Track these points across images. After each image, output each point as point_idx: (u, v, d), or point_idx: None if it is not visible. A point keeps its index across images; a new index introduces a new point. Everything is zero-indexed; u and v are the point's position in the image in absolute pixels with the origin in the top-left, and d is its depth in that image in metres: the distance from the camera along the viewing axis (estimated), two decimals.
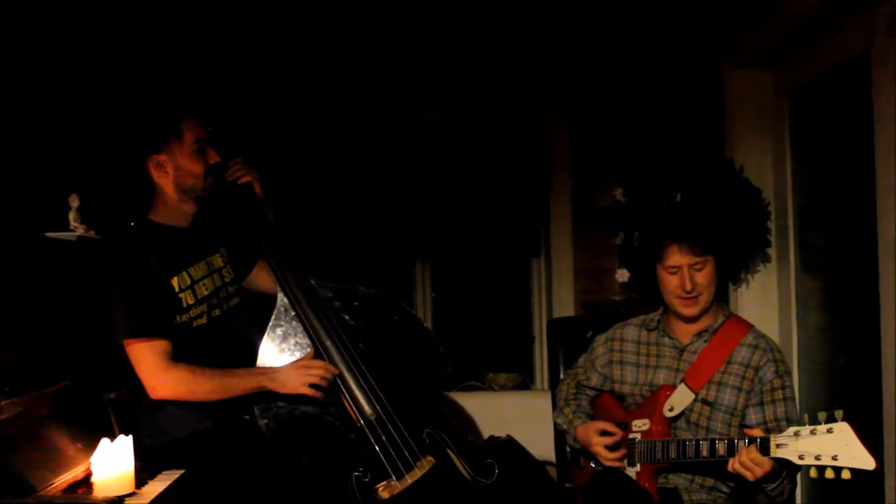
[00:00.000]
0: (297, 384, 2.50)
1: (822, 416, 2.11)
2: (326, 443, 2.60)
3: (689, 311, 2.56)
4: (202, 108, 2.68)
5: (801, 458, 2.11)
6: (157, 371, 2.45)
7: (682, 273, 2.51)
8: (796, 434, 2.13)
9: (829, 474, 2.06)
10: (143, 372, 2.47)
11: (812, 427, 2.11)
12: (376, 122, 4.44)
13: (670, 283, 2.54)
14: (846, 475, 2.05)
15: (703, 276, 2.50)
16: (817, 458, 2.08)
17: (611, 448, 2.53)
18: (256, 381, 2.52)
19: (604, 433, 2.55)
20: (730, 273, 3.44)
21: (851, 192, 3.03)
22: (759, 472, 2.19)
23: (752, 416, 2.45)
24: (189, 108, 2.63)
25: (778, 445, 2.15)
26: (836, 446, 2.05)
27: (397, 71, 4.14)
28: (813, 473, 2.11)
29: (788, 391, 2.47)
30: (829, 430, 2.07)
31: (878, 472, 2.65)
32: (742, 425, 2.45)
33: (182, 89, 3.76)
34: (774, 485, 2.28)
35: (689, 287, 2.51)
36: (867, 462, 2.03)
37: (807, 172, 3.39)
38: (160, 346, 2.45)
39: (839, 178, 3.18)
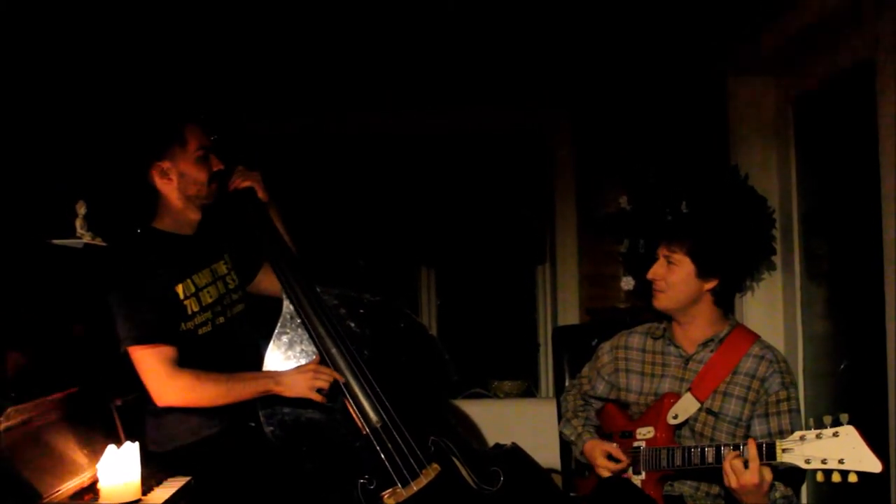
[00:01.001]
0: (304, 388, 2.49)
1: (827, 420, 2.11)
2: (331, 450, 2.59)
3: (653, 303, 2.59)
4: (204, 114, 2.69)
5: (807, 462, 2.11)
6: (163, 378, 2.45)
7: (658, 262, 2.55)
8: (802, 438, 2.13)
9: (836, 478, 2.06)
10: (148, 379, 2.46)
11: (818, 431, 2.11)
12: (379, 125, 4.45)
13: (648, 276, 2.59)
14: (853, 478, 2.04)
15: (672, 275, 2.51)
16: (823, 461, 2.08)
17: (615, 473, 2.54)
18: (263, 384, 2.51)
19: (610, 457, 2.55)
20: (735, 281, 3.43)
21: (857, 199, 3.02)
22: (735, 481, 2.19)
23: (757, 427, 2.44)
24: (191, 114, 2.63)
25: (784, 450, 2.15)
26: (843, 450, 2.05)
27: (399, 73, 4.14)
28: (819, 477, 2.10)
29: (794, 403, 2.46)
30: (835, 434, 2.07)
31: (884, 479, 2.65)
32: (747, 436, 2.43)
33: (184, 96, 3.77)
34: None
35: (649, 275, 2.55)
36: (874, 465, 2.02)
37: (812, 179, 3.38)
38: (166, 352, 2.45)
39: (844, 186, 3.17)
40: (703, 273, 2.50)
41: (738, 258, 3.02)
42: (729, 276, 2.57)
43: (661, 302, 2.56)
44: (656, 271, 2.54)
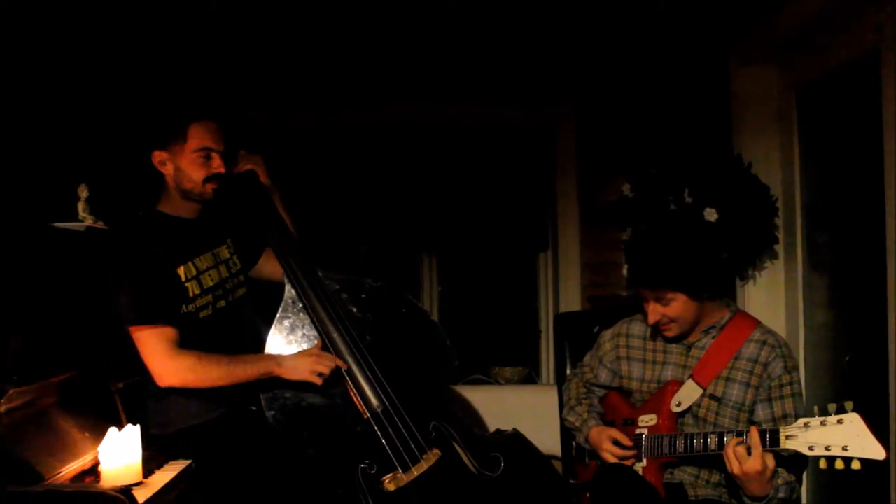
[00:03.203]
0: (306, 372, 2.50)
1: (832, 407, 2.11)
2: (332, 434, 2.60)
3: (666, 335, 2.58)
4: (224, 111, 2.67)
5: (810, 448, 2.11)
6: (163, 358, 2.45)
7: (650, 304, 2.52)
8: (806, 425, 2.14)
9: (839, 465, 2.06)
10: (149, 359, 2.47)
11: (822, 418, 2.11)
12: (383, 116, 4.45)
13: (644, 310, 2.56)
14: (856, 465, 2.05)
15: (671, 310, 2.49)
16: (827, 448, 2.08)
17: (620, 459, 2.54)
18: (264, 366, 2.52)
19: (616, 443, 2.55)
20: (737, 269, 3.43)
21: (860, 189, 3.02)
22: (738, 468, 2.20)
23: (760, 411, 2.45)
24: (206, 112, 2.61)
25: (788, 437, 2.15)
26: (847, 437, 2.06)
27: (403, 66, 4.13)
28: (822, 465, 2.10)
29: (796, 387, 2.46)
30: (840, 421, 2.08)
31: (884, 473, 2.65)
32: (750, 421, 2.44)
33: (198, 92, 3.76)
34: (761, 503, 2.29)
35: (652, 320, 2.53)
36: (877, 452, 2.03)
37: (815, 169, 3.37)
38: (167, 332, 2.45)
39: (847, 176, 3.16)
40: (696, 296, 2.49)
41: (722, 270, 3.03)
42: (718, 283, 2.58)
43: (674, 332, 2.55)
44: (655, 313, 2.51)
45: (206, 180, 2.58)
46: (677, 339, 2.61)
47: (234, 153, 2.71)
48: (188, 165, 2.55)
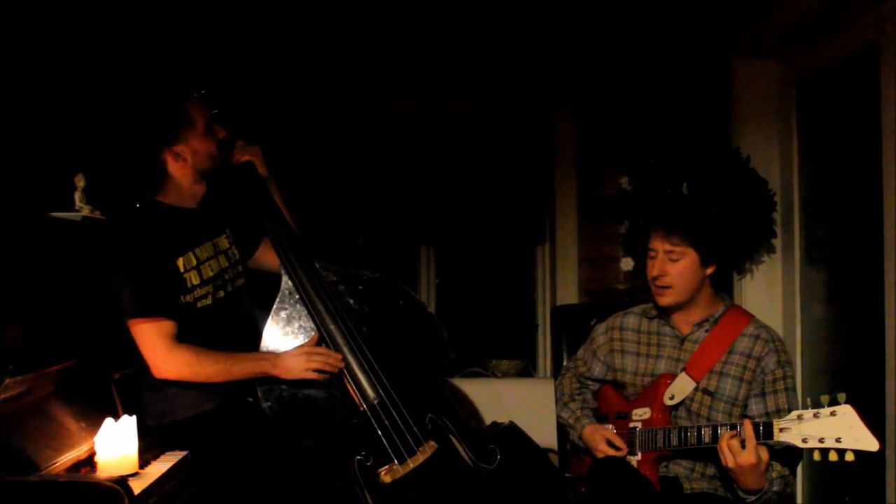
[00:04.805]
0: (299, 370, 2.49)
1: (824, 399, 2.12)
2: (329, 426, 2.59)
3: (659, 301, 2.56)
4: (204, 89, 2.67)
5: (804, 441, 2.12)
6: (161, 351, 2.44)
7: (658, 258, 2.51)
8: (799, 418, 2.14)
9: (833, 457, 2.07)
10: (147, 352, 2.46)
11: (815, 410, 2.12)
12: (384, 110, 4.44)
13: (648, 267, 2.56)
14: (850, 457, 2.05)
15: (676, 268, 2.48)
16: (821, 440, 2.09)
17: None
18: (259, 366, 2.52)
19: (610, 444, 2.56)
20: (734, 264, 3.43)
21: (858, 184, 3.02)
22: (732, 461, 2.21)
23: (754, 406, 2.45)
24: (191, 89, 2.62)
25: (781, 429, 2.16)
26: (840, 429, 2.06)
27: (404, 62, 4.13)
28: (816, 457, 2.11)
29: (790, 381, 2.47)
30: (833, 413, 2.08)
31: (879, 467, 2.66)
32: (743, 416, 2.44)
33: (183, 74, 3.75)
34: (755, 497, 2.29)
35: (654, 273, 2.52)
36: (871, 444, 2.03)
37: (813, 164, 3.38)
38: (165, 326, 2.44)
39: (846, 170, 3.17)
40: (706, 261, 2.49)
41: (738, 241, 3.02)
42: (727, 259, 2.58)
43: (669, 298, 2.54)
44: (661, 268, 2.51)
45: (218, 150, 2.61)
46: (666, 313, 2.61)
47: (232, 139, 2.71)
48: (201, 144, 2.56)
